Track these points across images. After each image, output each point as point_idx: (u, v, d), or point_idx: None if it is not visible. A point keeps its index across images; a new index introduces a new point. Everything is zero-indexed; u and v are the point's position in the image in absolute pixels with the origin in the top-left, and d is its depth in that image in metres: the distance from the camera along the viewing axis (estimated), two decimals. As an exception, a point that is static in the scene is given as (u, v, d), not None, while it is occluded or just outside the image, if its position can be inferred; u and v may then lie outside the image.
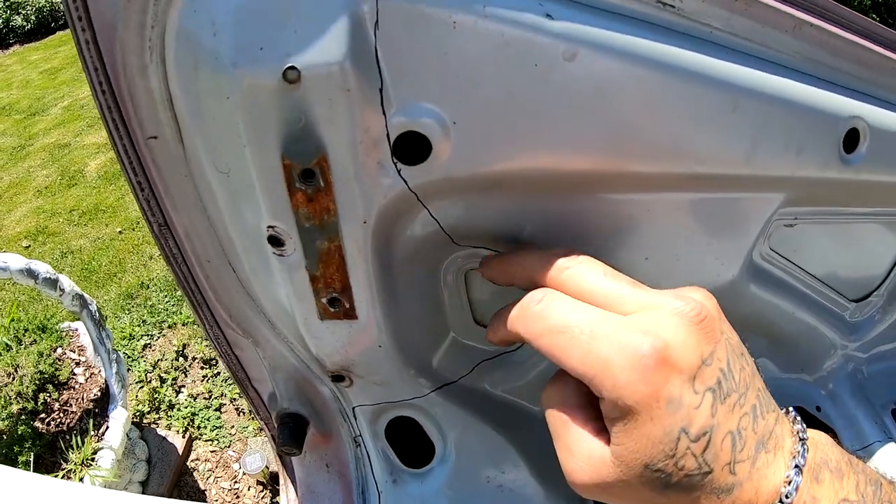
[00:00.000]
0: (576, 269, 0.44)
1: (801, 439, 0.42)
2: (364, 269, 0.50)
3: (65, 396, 2.55)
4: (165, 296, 3.75)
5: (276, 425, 0.71)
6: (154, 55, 0.42)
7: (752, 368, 0.42)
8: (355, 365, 0.60)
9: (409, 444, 0.73)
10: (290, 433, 0.68)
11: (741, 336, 0.82)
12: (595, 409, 0.42)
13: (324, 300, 0.52)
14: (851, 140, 0.56)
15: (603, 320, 0.40)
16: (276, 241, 0.48)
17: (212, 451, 2.86)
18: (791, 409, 0.45)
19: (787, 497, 0.39)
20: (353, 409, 0.68)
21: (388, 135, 0.42)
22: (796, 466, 0.40)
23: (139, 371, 3.20)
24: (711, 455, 0.38)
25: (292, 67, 0.38)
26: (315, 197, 0.44)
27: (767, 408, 0.42)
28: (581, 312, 0.41)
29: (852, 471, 0.42)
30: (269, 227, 0.47)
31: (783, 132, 0.51)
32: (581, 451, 0.41)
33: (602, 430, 0.41)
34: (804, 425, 0.43)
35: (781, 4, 0.47)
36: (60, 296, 2.44)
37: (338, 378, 0.63)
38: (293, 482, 0.79)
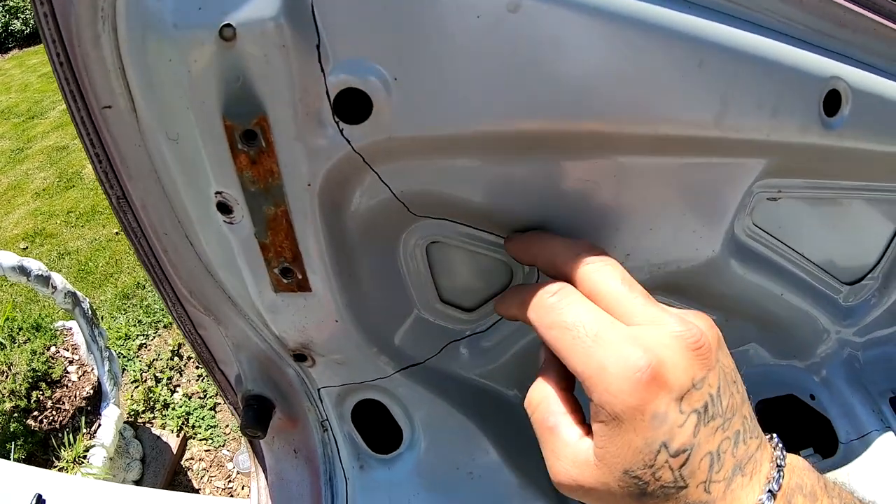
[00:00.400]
0: (597, 268, 0.46)
1: (778, 466, 0.43)
2: (314, 237, 0.48)
3: (58, 394, 2.55)
4: (161, 295, 3.74)
5: (241, 407, 0.70)
6: (106, 25, 0.42)
7: (742, 396, 0.44)
8: (314, 342, 0.58)
9: (379, 428, 0.72)
10: (254, 415, 0.67)
11: (727, 320, 0.80)
12: (579, 414, 0.45)
13: (276, 271, 0.50)
14: (833, 103, 0.53)
15: (609, 328, 0.42)
16: (224, 208, 0.47)
17: (206, 451, 2.85)
18: (774, 435, 0.47)
19: None
20: (319, 390, 0.67)
21: (327, 92, 0.40)
22: (769, 491, 0.41)
23: (134, 371, 3.20)
24: (688, 471, 0.40)
25: (228, 25, 0.37)
26: (258, 159, 0.43)
27: (751, 434, 0.44)
28: (591, 315, 0.43)
29: (826, 495, 0.43)
30: (217, 192, 0.46)
31: (756, 91, 0.48)
32: (566, 454, 0.44)
33: (585, 434, 0.44)
34: (784, 452, 0.45)
35: None
36: (53, 293, 2.44)
37: (300, 357, 0.62)
38: (264, 469, 0.78)
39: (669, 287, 0.68)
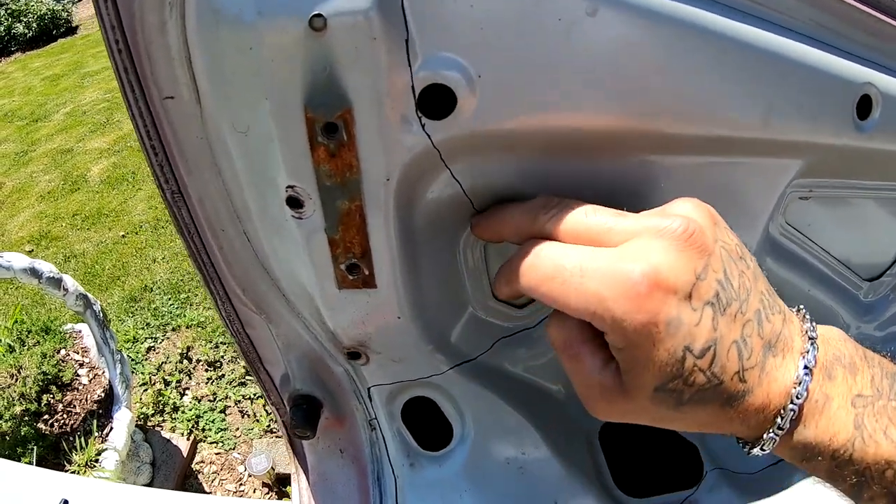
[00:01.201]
0: (558, 213, 0.44)
1: (810, 339, 0.42)
2: (385, 233, 0.48)
3: (68, 398, 2.54)
4: (169, 299, 3.73)
5: (288, 408, 0.69)
6: (174, 11, 0.41)
7: (753, 271, 0.42)
8: (372, 339, 0.58)
9: (426, 426, 0.71)
10: (303, 415, 0.66)
11: None
12: (601, 339, 0.43)
13: (342, 266, 0.50)
14: (864, 107, 0.56)
15: (590, 257, 0.40)
16: (295, 203, 0.46)
17: (216, 454, 2.84)
18: (801, 307, 0.45)
19: (797, 398, 0.40)
20: (369, 389, 0.66)
21: (413, 87, 0.40)
22: (805, 367, 0.40)
23: (143, 374, 3.19)
24: (719, 367, 0.39)
25: (318, 15, 0.37)
26: (338, 152, 0.42)
27: (773, 310, 0.42)
28: (569, 254, 0.41)
29: (867, 365, 0.42)
30: (289, 186, 0.46)
31: (798, 96, 0.51)
32: (594, 384, 0.43)
33: (611, 359, 0.42)
34: (813, 324, 0.43)
35: None
36: (64, 295, 2.43)
37: (354, 355, 0.61)
38: (305, 470, 0.77)
39: None
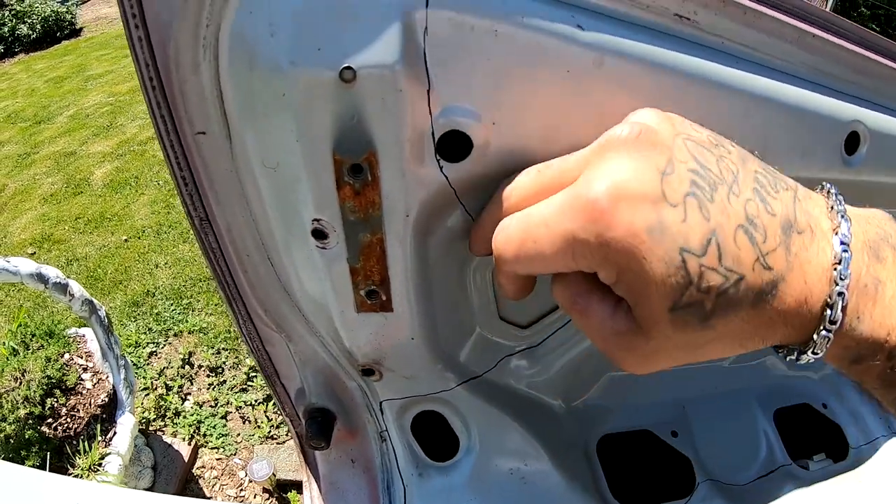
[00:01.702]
0: (511, 184, 0.43)
1: (839, 213, 0.37)
2: (403, 262, 0.52)
3: (72, 402, 2.57)
4: (171, 304, 3.76)
5: (303, 420, 0.73)
6: (208, 53, 0.44)
7: (737, 154, 0.38)
8: (387, 358, 0.62)
9: (434, 438, 0.75)
10: (318, 427, 0.70)
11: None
12: (605, 286, 0.39)
13: (362, 292, 0.54)
14: (852, 143, 0.59)
15: (549, 204, 0.38)
16: (320, 234, 0.50)
17: (217, 459, 2.87)
18: (825, 184, 0.40)
19: (841, 279, 0.34)
20: (381, 403, 0.70)
21: (433, 133, 0.44)
22: (842, 243, 0.35)
23: (145, 378, 3.21)
24: (731, 259, 0.34)
25: (348, 67, 0.40)
26: (362, 191, 0.46)
27: (777, 186, 0.37)
28: (530, 214, 0.39)
29: None
30: (315, 220, 0.49)
31: (789, 135, 0.54)
32: (610, 334, 0.39)
33: (619, 302, 0.39)
34: (841, 199, 0.38)
35: (786, 17, 0.50)
36: (70, 301, 2.46)
37: (368, 372, 0.65)
38: (316, 478, 0.81)
39: None
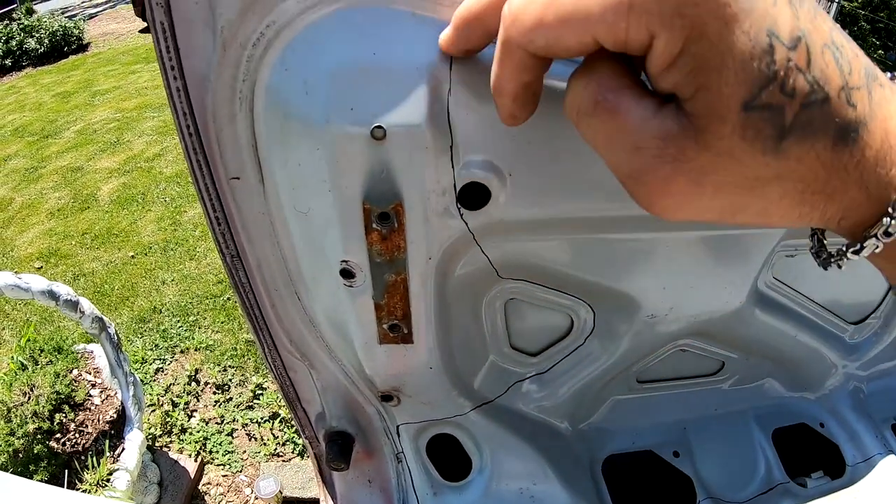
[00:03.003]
0: None
1: None
2: (424, 299, 0.56)
3: (80, 417, 2.60)
4: (178, 321, 3.80)
5: (323, 442, 0.77)
6: (244, 105, 0.48)
7: None
8: (406, 385, 0.66)
9: (447, 460, 0.79)
10: (339, 449, 0.74)
11: (748, 358, 0.90)
12: (641, 85, 0.32)
13: (385, 326, 0.58)
14: None
15: None
16: (347, 274, 0.54)
17: (223, 476, 2.89)
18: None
19: None
20: (398, 427, 0.74)
21: (454, 185, 0.48)
22: None
23: (151, 395, 3.24)
24: (819, 71, 0.28)
25: (379, 126, 0.44)
26: (389, 236, 0.51)
27: (850, 40, 0.31)
28: None
29: None
30: (343, 261, 0.53)
31: None
32: (647, 132, 0.30)
33: (662, 103, 0.31)
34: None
35: None
36: (80, 318, 2.50)
37: (387, 398, 0.69)
38: (333, 498, 0.84)
39: (701, 332, 0.79)
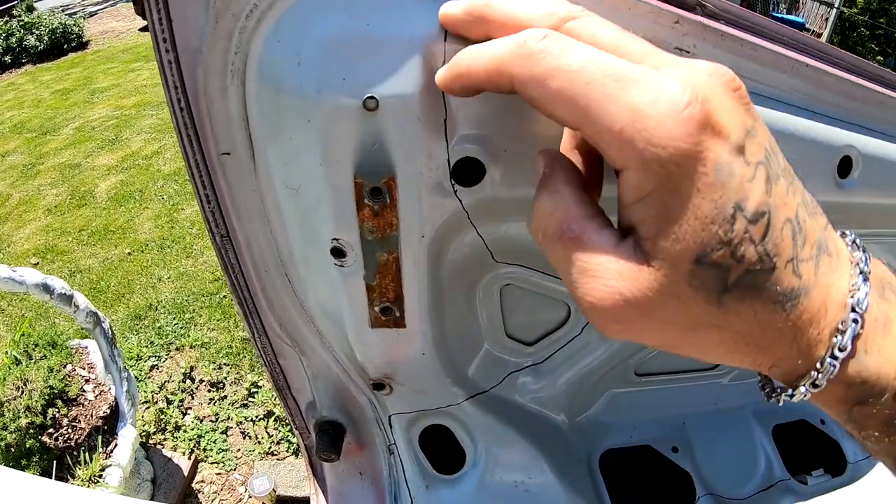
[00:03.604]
0: (585, 20, 0.35)
1: (856, 244, 0.36)
2: (417, 281, 0.54)
3: (74, 412, 2.57)
4: (174, 318, 3.78)
5: (314, 432, 0.75)
6: (235, 78, 0.46)
7: (785, 160, 0.35)
8: (398, 372, 0.64)
9: (440, 452, 0.77)
10: (329, 440, 0.72)
11: None
12: (605, 217, 0.35)
13: (376, 309, 0.56)
14: (845, 167, 0.62)
15: (629, 66, 0.31)
16: (338, 253, 0.53)
17: (217, 474, 2.87)
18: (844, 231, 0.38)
19: (858, 306, 0.33)
20: (390, 417, 0.72)
21: (448, 159, 0.47)
22: (861, 273, 0.34)
23: (146, 392, 3.22)
24: (772, 244, 0.31)
25: (372, 97, 0.43)
26: (381, 212, 0.49)
27: (816, 209, 0.35)
28: (601, 55, 0.32)
29: None
30: (334, 239, 0.52)
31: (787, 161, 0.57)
32: (604, 265, 0.33)
33: (626, 237, 0.33)
34: (856, 235, 0.37)
35: (781, 48, 0.53)
36: (75, 312, 2.48)
37: (378, 386, 0.67)
38: (324, 491, 0.83)
39: None
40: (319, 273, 0.57)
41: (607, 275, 0.32)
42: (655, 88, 0.30)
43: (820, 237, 0.33)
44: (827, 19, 12.58)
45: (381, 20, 0.42)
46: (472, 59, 0.36)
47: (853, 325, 0.33)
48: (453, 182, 0.48)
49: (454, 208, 0.50)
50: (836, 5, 12.23)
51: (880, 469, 0.98)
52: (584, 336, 0.72)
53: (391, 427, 0.74)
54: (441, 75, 0.39)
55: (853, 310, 0.33)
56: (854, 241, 0.36)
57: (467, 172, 0.48)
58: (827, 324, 0.33)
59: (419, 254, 0.52)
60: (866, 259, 0.35)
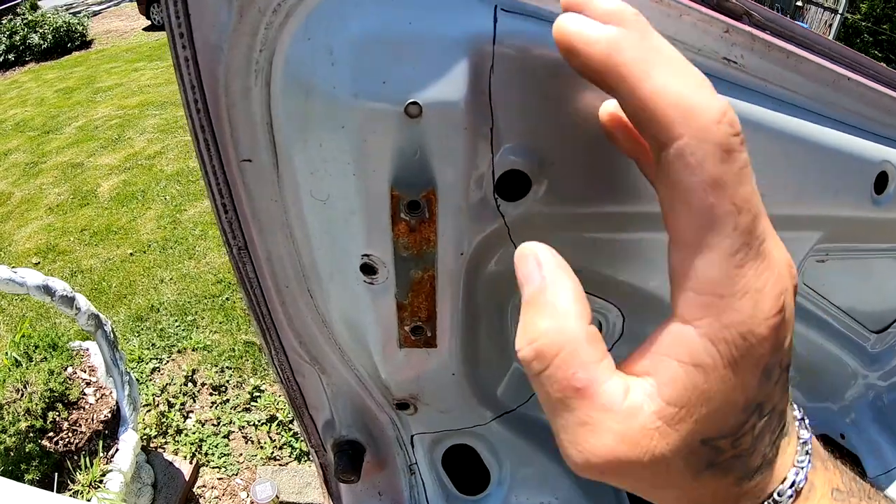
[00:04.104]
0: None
1: (802, 420, 0.38)
2: (451, 300, 0.51)
3: (74, 416, 2.54)
4: (176, 320, 3.75)
5: (332, 452, 0.72)
6: (259, 78, 0.42)
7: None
8: (424, 392, 0.61)
9: (463, 471, 0.74)
10: (348, 460, 0.69)
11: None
12: (609, 355, 0.33)
13: (407, 328, 0.53)
14: (881, 182, 0.61)
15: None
16: (368, 269, 0.49)
17: (219, 479, 2.83)
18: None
19: (797, 482, 0.35)
20: (412, 437, 0.69)
21: (493, 172, 0.43)
22: (807, 452, 0.36)
23: (147, 395, 3.19)
24: (763, 433, 0.33)
25: (415, 103, 0.39)
26: (418, 228, 0.46)
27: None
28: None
29: (832, 463, 0.39)
30: (364, 255, 0.48)
31: (824, 175, 0.55)
32: (608, 423, 0.30)
33: (636, 388, 0.31)
34: (803, 413, 0.39)
35: (824, 60, 0.51)
36: (76, 314, 2.45)
37: (402, 406, 0.64)
38: (339, 510, 0.79)
39: None
40: (345, 289, 0.54)
41: (607, 436, 0.31)
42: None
43: (788, 419, 0.36)
44: (831, 25, 12.57)
45: (425, 18, 0.39)
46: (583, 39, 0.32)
47: (789, 499, 0.35)
48: (496, 196, 0.45)
49: (496, 224, 0.47)
50: (840, 11, 12.23)
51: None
52: (614, 352, 0.68)
53: (413, 447, 0.70)
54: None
55: (793, 484, 0.35)
56: (801, 419, 0.38)
57: (511, 186, 0.45)
58: (767, 494, 0.35)
59: (456, 272, 0.49)
60: (810, 433, 0.37)
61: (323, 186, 0.47)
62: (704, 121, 0.29)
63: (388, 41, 0.39)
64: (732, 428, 0.31)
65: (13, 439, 2.42)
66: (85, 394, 2.63)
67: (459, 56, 0.39)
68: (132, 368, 3.34)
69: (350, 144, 0.42)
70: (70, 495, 2.34)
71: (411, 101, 0.39)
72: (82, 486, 2.32)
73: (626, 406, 0.31)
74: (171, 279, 4.16)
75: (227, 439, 2.98)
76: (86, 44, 10.69)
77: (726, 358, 0.30)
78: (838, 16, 12.33)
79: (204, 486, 2.81)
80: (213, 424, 3.06)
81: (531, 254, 0.38)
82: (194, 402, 3.19)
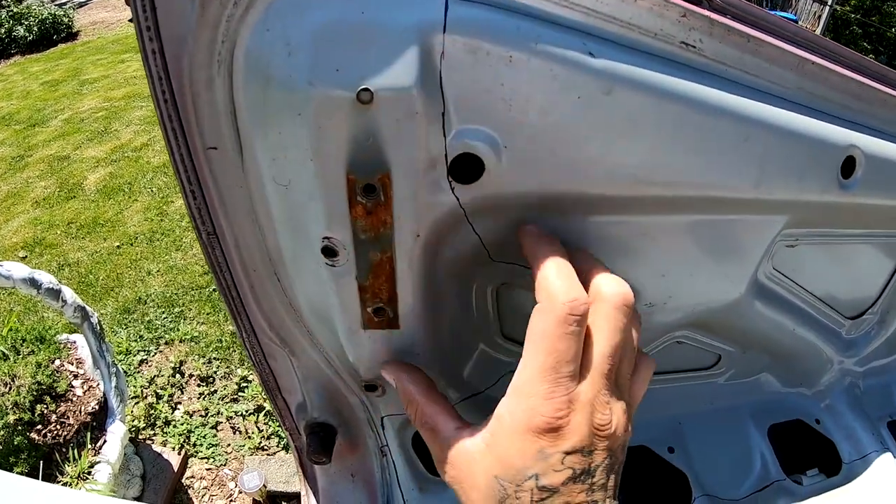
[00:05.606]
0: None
1: None
2: (411, 281, 0.52)
3: (62, 409, 2.55)
4: (163, 312, 3.74)
5: (304, 434, 0.73)
6: (222, 69, 0.44)
7: (613, 483, 0.48)
8: (391, 374, 0.62)
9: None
10: (319, 442, 0.70)
11: (745, 352, 0.87)
12: (453, 410, 0.53)
13: (369, 310, 0.54)
14: (848, 167, 0.61)
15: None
16: (329, 252, 0.51)
17: (207, 469, 2.85)
18: None
19: None
20: (382, 418, 0.70)
21: (446, 155, 0.45)
22: None
23: (135, 387, 3.19)
24: (536, 501, 0.45)
25: (366, 89, 0.40)
26: (374, 210, 0.47)
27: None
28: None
29: None
30: (325, 238, 0.50)
31: (788, 160, 0.56)
32: (453, 442, 0.50)
33: (465, 427, 0.51)
34: None
35: (786, 44, 0.52)
36: (62, 307, 2.45)
37: (370, 387, 0.65)
38: (315, 492, 0.81)
39: (699, 324, 0.76)
40: (309, 272, 0.55)
41: (456, 449, 0.50)
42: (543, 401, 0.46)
43: None
44: (819, 17, 12.61)
45: (378, 7, 0.40)
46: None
47: None
48: (450, 179, 0.46)
49: (451, 206, 0.48)
50: (828, 3, 12.27)
51: (875, 469, 0.98)
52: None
53: (384, 429, 0.72)
54: None
55: None
56: None
57: (465, 169, 0.46)
58: None
59: (414, 253, 0.50)
60: None
61: (284, 172, 0.48)
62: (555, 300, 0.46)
63: (341, 30, 0.40)
64: (514, 477, 0.45)
65: (1, 433, 2.42)
66: (73, 386, 2.64)
67: (411, 43, 0.40)
68: (120, 360, 3.34)
69: (307, 131, 0.43)
70: (91, 491, 2.34)
71: (363, 87, 0.40)
72: (71, 477, 2.33)
73: (463, 433, 0.51)
74: (158, 271, 4.16)
75: (214, 430, 2.99)
76: (72, 35, 10.57)
77: (507, 425, 0.47)
78: (827, 7, 12.36)
79: (192, 476, 2.82)
80: (201, 415, 3.07)
81: (386, 370, 0.60)
82: (182, 393, 3.20)
